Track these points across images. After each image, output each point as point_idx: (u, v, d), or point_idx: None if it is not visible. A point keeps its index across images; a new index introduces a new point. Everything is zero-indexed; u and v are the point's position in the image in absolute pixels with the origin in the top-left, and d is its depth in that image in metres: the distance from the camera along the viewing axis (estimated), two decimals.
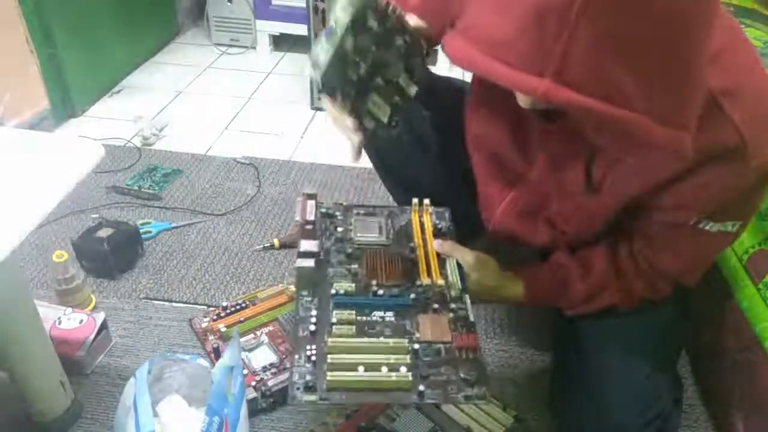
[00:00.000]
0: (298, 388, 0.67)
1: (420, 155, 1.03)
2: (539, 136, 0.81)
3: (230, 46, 2.36)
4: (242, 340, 1.06)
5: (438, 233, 0.90)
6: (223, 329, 1.08)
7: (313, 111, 1.95)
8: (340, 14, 0.69)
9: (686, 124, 0.58)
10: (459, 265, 0.85)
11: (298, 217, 0.88)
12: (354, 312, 0.76)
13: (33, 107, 1.71)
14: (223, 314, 1.12)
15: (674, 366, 0.97)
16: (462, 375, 0.70)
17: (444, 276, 0.83)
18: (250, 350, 1.06)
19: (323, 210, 0.92)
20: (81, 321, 1.04)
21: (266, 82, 2.14)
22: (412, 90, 0.79)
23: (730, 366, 0.94)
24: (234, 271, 1.28)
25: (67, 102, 1.82)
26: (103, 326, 1.05)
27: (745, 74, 0.70)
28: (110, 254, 1.21)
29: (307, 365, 0.70)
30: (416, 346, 0.73)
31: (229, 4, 2.29)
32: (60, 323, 1.03)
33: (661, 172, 0.74)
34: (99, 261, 1.22)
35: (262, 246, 1.35)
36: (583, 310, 0.92)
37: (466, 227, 0.95)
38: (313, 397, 0.67)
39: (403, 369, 0.70)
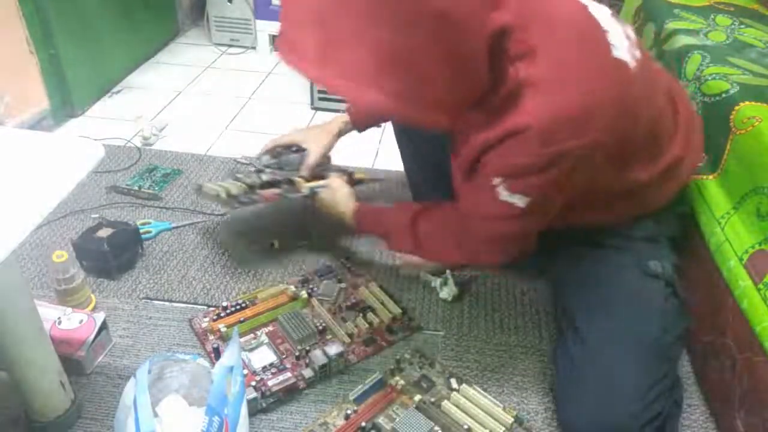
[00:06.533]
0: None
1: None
2: None
3: (230, 46, 2.36)
4: (242, 340, 1.06)
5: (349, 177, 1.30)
6: (223, 329, 1.08)
7: (313, 111, 1.95)
8: None
9: (421, 104, 0.73)
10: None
11: None
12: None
13: (33, 107, 1.71)
14: (223, 314, 1.12)
15: (676, 365, 0.97)
16: None
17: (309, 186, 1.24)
18: (250, 350, 1.06)
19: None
20: (81, 321, 1.04)
21: (266, 82, 2.14)
22: None
23: (730, 366, 0.94)
24: (234, 271, 1.28)
25: (67, 102, 1.82)
26: (103, 326, 1.05)
27: (558, 67, 0.77)
28: (110, 254, 1.21)
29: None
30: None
31: (229, 4, 2.29)
32: (60, 323, 1.04)
33: (474, 144, 0.84)
34: (99, 261, 1.22)
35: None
36: (409, 242, 1.06)
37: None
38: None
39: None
